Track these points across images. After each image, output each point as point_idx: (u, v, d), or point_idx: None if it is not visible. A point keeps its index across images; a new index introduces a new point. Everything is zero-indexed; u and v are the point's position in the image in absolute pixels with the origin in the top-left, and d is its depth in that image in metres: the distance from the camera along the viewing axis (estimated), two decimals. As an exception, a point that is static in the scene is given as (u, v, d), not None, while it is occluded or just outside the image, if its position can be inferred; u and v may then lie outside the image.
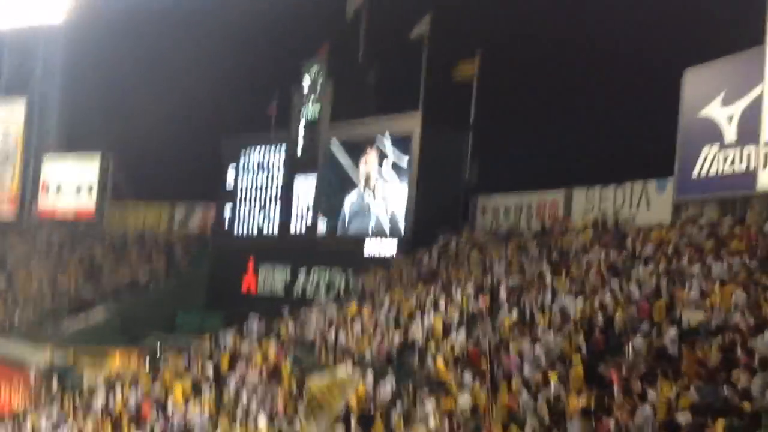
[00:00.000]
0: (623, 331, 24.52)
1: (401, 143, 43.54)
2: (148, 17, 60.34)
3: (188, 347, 40.19)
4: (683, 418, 18.50)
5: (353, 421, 26.72)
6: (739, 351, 19.93)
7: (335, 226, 46.71)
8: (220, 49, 57.87)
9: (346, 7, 48.70)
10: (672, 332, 22.27)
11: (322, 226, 47.41)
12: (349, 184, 46.10)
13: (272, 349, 34.82)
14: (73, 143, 66.97)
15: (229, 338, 38.50)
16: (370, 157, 45.08)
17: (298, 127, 49.22)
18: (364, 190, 45.33)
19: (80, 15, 62.78)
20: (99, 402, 37.31)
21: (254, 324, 39.87)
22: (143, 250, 57.68)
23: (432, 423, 24.71)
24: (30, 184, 67.71)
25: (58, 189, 65.58)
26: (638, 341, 22.83)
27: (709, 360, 20.30)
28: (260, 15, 56.06)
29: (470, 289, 33.18)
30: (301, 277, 47.37)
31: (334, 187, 46.96)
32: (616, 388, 21.17)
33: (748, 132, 29.66)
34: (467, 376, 25.95)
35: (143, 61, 60.39)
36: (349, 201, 45.98)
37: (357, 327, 34.32)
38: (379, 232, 44.18)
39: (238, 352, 36.13)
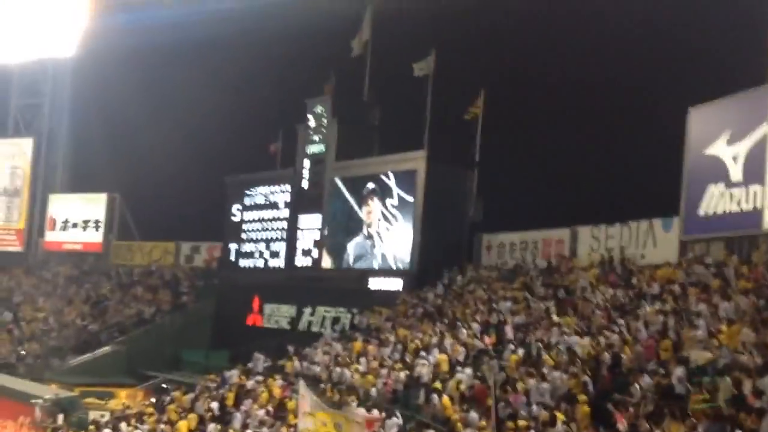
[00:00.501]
0: (630, 370, 24.50)
1: (406, 181, 43.72)
2: (156, 55, 60.81)
3: (194, 384, 40.10)
4: (691, 458, 18.48)
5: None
6: (747, 391, 19.90)
7: (340, 263, 46.79)
8: (225, 89, 58.39)
9: (351, 45, 49.18)
10: (679, 371, 22.24)
11: (327, 263, 47.50)
12: (354, 222, 46.24)
13: (277, 386, 34.74)
14: (79, 182, 67.31)
15: (234, 375, 38.40)
16: (376, 195, 45.23)
17: (302, 165, 49.42)
18: (369, 228, 45.45)
19: (90, 50, 63.22)
20: (104, 439, 37.15)
21: (259, 361, 39.82)
22: (149, 286, 57.71)
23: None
24: (37, 220, 67.95)
25: (65, 225, 65.81)
26: (645, 380, 22.79)
27: (717, 400, 20.26)
28: (265, 54, 56.57)
29: (476, 326, 33.20)
30: (307, 314, 47.39)
31: (340, 224, 47.10)
32: (622, 428, 21.12)
33: (753, 171, 29.81)
34: (473, 414, 25.89)
35: (150, 99, 60.81)
36: (355, 238, 46.08)
37: (363, 364, 34.28)
38: (384, 269, 44.27)
39: (244, 389, 36.02)
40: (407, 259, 43.14)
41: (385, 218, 44.43)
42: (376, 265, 44.71)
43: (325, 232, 47.74)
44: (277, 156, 53.52)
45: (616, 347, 26.01)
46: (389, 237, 44.19)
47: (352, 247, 46.18)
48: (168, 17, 57.09)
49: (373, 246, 45.08)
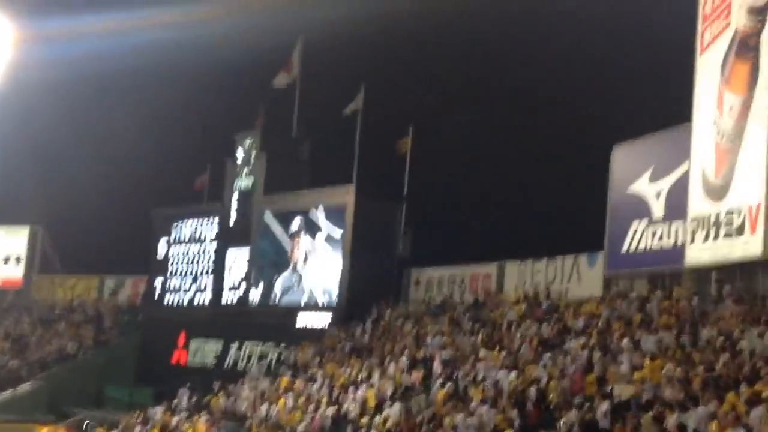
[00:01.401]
0: (557, 405, 24.62)
1: (335, 216, 43.65)
2: (82, 87, 60.04)
3: (117, 422, 39.36)
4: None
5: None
6: (669, 425, 20.09)
7: (268, 299, 46.43)
8: (153, 121, 57.85)
9: (274, 80, 49.07)
10: (604, 406, 22.40)
11: (254, 298, 47.09)
12: (282, 256, 45.98)
13: (203, 424, 34.24)
14: (1, 214, 65.89)
15: (159, 413, 37.79)
16: (304, 230, 45.07)
17: (231, 198, 49.08)
18: (297, 262, 45.21)
19: (14, 81, 62.14)
20: (22, 479, 36.30)
21: (184, 398, 39.26)
22: (72, 321, 56.58)
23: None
24: (-44, 254, 66.33)
25: (-16, 259, 64.41)
26: (571, 415, 22.90)
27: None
28: (194, 87, 56.28)
29: (404, 362, 33.12)
30: (233, 350, 46.88)
31: (268, 259, 46.81)
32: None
33: (675, 207, 30.30)
34: (401, 451, 25.78)
35: (75, 131, 60.02)
36: (282, 272, 45.80)
37: (290, 400, 33.96)
38: (312, 305, 44.04)
39: (168, 427, 35.44)
40: (335, 293, 42.98)
41: (315, 250, 44.23)
42: (303, 300, 44.45)
43: (253, 267, 47.34)
44: (204, 190, 53.07)
45: (543, 382, 26.12)
46: (318, 270, 44.00)
47: (279, 282, 45.87)
48: (94, 49, 56.37)
49: (300, 281, 44.83)
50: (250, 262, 47.58)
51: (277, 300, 45.90)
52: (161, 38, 53.98)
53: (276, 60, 49.58)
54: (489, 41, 46.61)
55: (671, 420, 20.04)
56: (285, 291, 45.56)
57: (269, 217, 46.93)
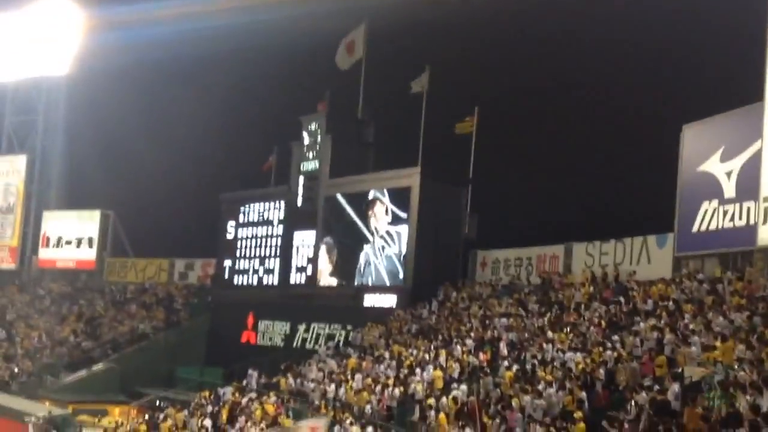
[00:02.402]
0: (625, 386, 24.51)
1: (400, 198, 43.75)
2: (150, 73, 60.91)
3: (188, 401, 40.01)
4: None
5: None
6: (741, 406, 19.90)
7: (335, 280, 46.74)
8: (220, 106, 58.45)
9: (336, 58, 49.26)
10: (675, 388, 22.24)
11: (321, 280, 47.44)
12: (349, 239, 46.18)
13: (271, 404, 34.66)
14: (73, 199, 67.20)
15: (228, 392, 38.33)
16: (370, 212, 45.26)
17: (297, 182, 49.42)
18: (365, 245, 45.41)
19: (83, 68, 63.28)
20: (97, 457, 37.09)
21: (253, 378, 39.77)
22: (143, 303, 57.60)
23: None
24: (30, 236, 67.81)
25: (59, 242, 65.70)
26: (641, 397, 22.79)
27: (712, 415, 20.27)
28: (260, 72, 56.70)
29: (470, 343, 33.20)
30: (301, 330, 47.36)
31: (335, 241, 47.07)
32: (619, 444, 21.12)
33: (747, 187, 29.91)
34: (468, 431, 25.85)
35: (143, 117, 60.89)
36: (350, 254, 46.03)
37: (357, 381, 34.23)
38: (378, 286, 44.25)
39: (238, 407, 35.94)
40: (401, 275, 43.15)
41: (380, 232, 44.43)
42: (370, 280, 44.67)
43: (319, 249, 47.69)
44: (271, 173, 53.52)
45: (611, 363, 26.02)
46: (384, 252, 44.20)
47: (361, 257, 46.00)
48: (162, 35, 57.07)
49: (369, 260, 44.97)
50: (317, 244, 47.92)
51: (344, 280, 46.13)
52: (228, 24, 54.53)
53: (342, 45, 49.73)
54: (556, 22, 46.23)
55: (743, 401, 19.84)
56: (352, 268, 45.70)
57: (338, 199, 47.16)
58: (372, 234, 44.97)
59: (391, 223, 43.99)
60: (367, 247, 45.20)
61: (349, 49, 49.38)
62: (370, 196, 45.38)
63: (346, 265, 46.38)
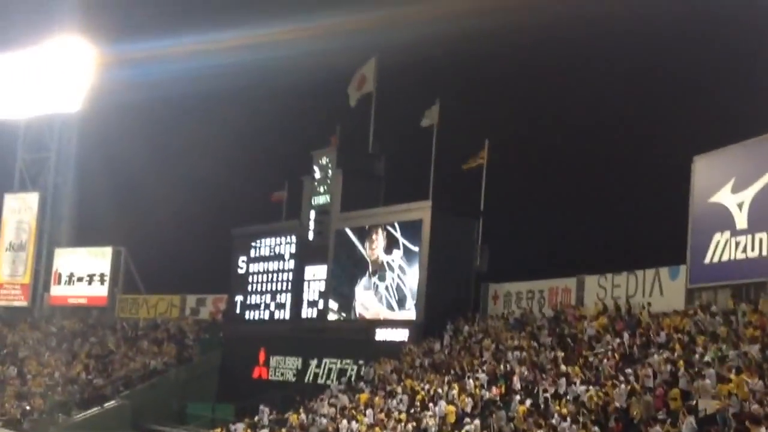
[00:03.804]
0: (639, 420, 24.31)
1: (411, 231, 43.69)
2: (161, 109, 61.30)
3: (199, 438, 39.92)
4: None
5: None
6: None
7: (346, 314, 46.65)
8: (231, 141, 58.69)
9: (348, 93, 49.57)
10: (690, 421, 22.04)
11: (333, 314, 47.34)
12: (360, 273, 46.14)
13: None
14: (85, 236, 67.44)
15: (240, 429, 38.18)
16: (381, 246, 45.21)
17: (308, 216, 49.45)
18: (375, 278, 45.34)
19: (95, 105, 63.75)
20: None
21: (265, 414, 39.62)
22: (155, 339, 57.55)
23: None
24: (42, 273, 67.98)
25: (71, 279, 65.85)
26: (655, 430, 22.60)
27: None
28: (271, 107, 56.98)
29: (483, 376, 33.02)
30: (313, 366, 47.17)
31: (346, 275, 47.00)
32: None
33: (759, 218, 29.79)
34: (482, 467, 25.70)
35: (155, 153, 61.16)
36: (361, 289, 45.97)
37: (369, 416, 34.05)
38: (390, 320, 44.09)
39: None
40: (413, 309, 43.01)
41: (392, 266, 44.35)
42: (381, 316, 44.54)
43: (331, 284, 47.62)
44: (282, 205, 53.60)
45: (625, 397, 25.81)
46: (395, 286, 44.08)
47: (359, 293, 45.91)
48: (173, 72, 57.49)
49: (380, 294, 44.87)
50: (329, 277, 47.85)
51: (356, 314, 46.02)
52: (239, 60, 54.87)
53: (352, 81, 50.06)
54: (566, 55, 46.37)
55: (759, 434, 19.67)
56: (365, 302, 45.56)
57: (347, 234, 47.17)
58: (383, 268, 44.87)
59: (402, 257, 43.93)
60: (378, 281, 45.10)
61: (359, 84, 49.64)
62: (380, 230, 45.35)
63: (352, 298, 46.32)
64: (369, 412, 34.52)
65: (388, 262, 44.67)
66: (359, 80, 49.69)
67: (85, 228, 68.13)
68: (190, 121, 61.28)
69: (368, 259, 45.76)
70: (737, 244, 30.88)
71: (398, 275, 44.06)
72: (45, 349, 60.19)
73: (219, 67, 56.09)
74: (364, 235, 46.12)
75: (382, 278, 44.96)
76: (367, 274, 45.77)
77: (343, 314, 46.81)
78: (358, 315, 45.96)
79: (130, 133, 61.95)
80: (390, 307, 44.30)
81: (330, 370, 45.90)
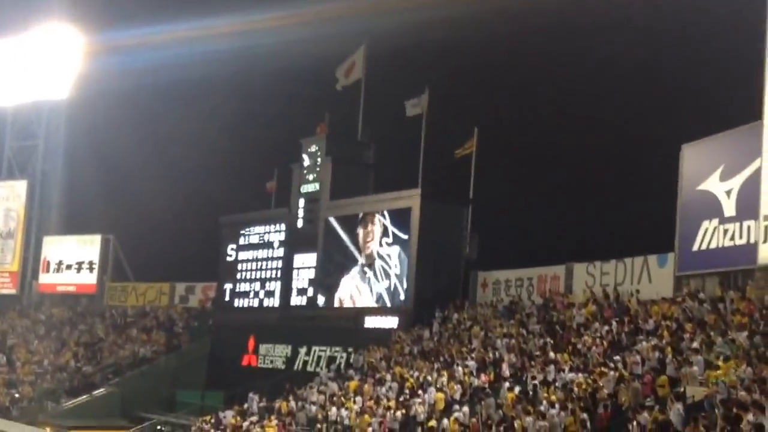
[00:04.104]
0: (627, 406, 24.42)
1: (401, 219, 43.73)
2: (149, 97, 61.12)
3: (189, 426, 39.90)
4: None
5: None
6: (744, 426, 19.81)
7: (335, 302, 46.66)
8: (220, 129, 58.59)
9: (336, 76, 49.51)
10: (677, 408, 22.16)
11: (322, 302, 47.36)
12: (349, 261, 46.17)
13: (273, 428, 34.55)
14: (73, 223, 67.24)
15: (229, 416, 38.21)
16: (370, 234, 45.23)
17: (297, 204, 49.43)
18: (364, 266, 45.38)
19: (83, 92, 63.53)
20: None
21: (254, 401, 39.66)
22: (144, 327, 57.49)
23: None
24: (31, 261, 67.81)
25: (59, 267, 65.71)
26: (643, 417, 22.71)
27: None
28: (260, 94, 56.86)
29: (472, 364, 33.11)
30: (302, 353, 47.20)
31: (335, 263, 47.02)
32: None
33: (747, 206, 29.87)
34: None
35: (144, 140, 61.02)
36: (350, 277, 46.00)
37: (358, 403, 34.14)
38: (379, 308, 44.17)
39: (239, 430, 35.84)
40: (402, 296, 43.08)
41: (381, 254, 44.40)
42: (370, 304, 44.59)
43: (320, 272, 47.63)
44: (272, 196, 53.57)
45: (613, 384, 25.92)
46: (385, 274, 44.13)
47: (348, 281, 45.99)
48: (161, 59, 57.28)
49: (369, 281, 44.93)
50: (317, 266, 47.86)
51: (345, 302, 46.06)
52: (227, 47, 54.72)
53: (342, 67, 49.97)
54: (555, 44, 46.37)
55: (746, 421, 19.75)
56: (354, 290, 45.60)
57: (336, 221, 47.18)
58: (372, 256, 44.92)
59: (391, 245, 43.97)
60: (367, 269, 45.15)
61: (347, 71, 49.58)
62: (369, 218, 45.37)
63: (340, 286, 46.37)
64: (358, 399, 34.60)
65: (377, 251, 44.69)
66: (348, 67, 49.62)
67: (73, 216, 67.98)
68: (179, 109, 61.11)
69: (356, 248, 45.77)
70: (725, 231, 30.99)
71: (388, 263, 44.10)
72: (34, 337, 60.10)
73: (207, 55, 55.95)
74: (355, 223, 46.11)
75: (371, 266, 45.00)
76: (356, 262, 45.79)
77: (332, 303, 46.81)
78: (346, 303, 45.98)
79: (119, 121, 61.81)
80: (379, 295, 44.35)
81: (319, 357, 45.96)
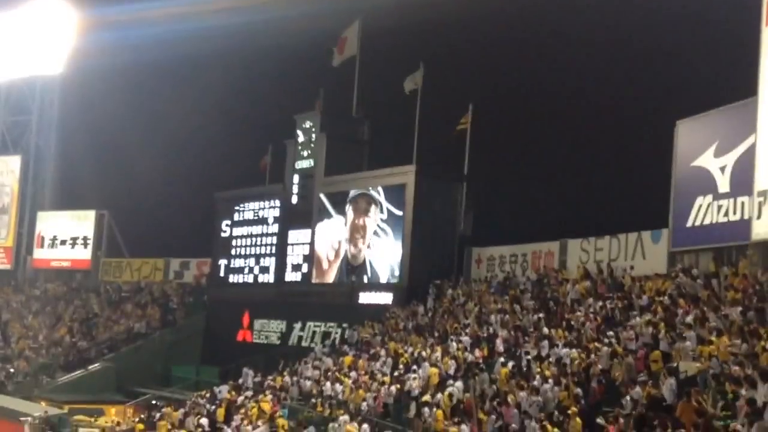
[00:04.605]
0: (621, 381, 24.53)
1: (395, 196, 43.75)
2: (144, 72, 60.89)
3: (184, 400, 40.01)
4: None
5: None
6: (738, 401, 19.92)
7: (330, 278, 46.74)
8: (214, 105, 58.45)
9: (333, 51, 49.40)
10: (670, 382, 22.26)
11: (317, 278, 47.42)
12: (343, 236, 46.19)
13: (267, 402, 34.66)
14: (68, 199, 67.18)
15: (224, 391, 38.32)
16: (365, 210, 45.25)
17: (292, 180, 49.39)
18: (358, 242, 45.42)
19: (77, 68, 63.22)
20: (94, 456, 37.08)
21: (249, 376, 39.76)
22: (138, 302, 57.55)
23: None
24: (25, 236, 67.76)
25: (54, 242, 65.68)
26: (636, 392, 22.81)
27: (707, 410, 20.28)
28: (254, 71, 56.67)
29: (466, 339, 33.21)
30: (297, 328, 47.35)
31: (329, 239, 47.04)
32: (614, 439, 21.13)
33: (741, 182, 29.90)
34: (464, 428, 25.88)
35: (138, 116, 60.91)
36: (344, 252, 46.04)
37: (353, 378, 34.25)
38: (374, 284, 44.26)
39: (234, 405, 35.95)
40: (397, 272, 43.16)
41: (376, 230, 44.44)
42: (366, 278, 44.67)
43: (315, 247, 47.67)
44: (266, 171, 53.53)
45: (606, 359, 26.03)
46: (379, 250, 44.19)
47: (342, 257, 46.04)
48: (156, 35, 57.00)
49: (363, 257, 44.99)
50: (312, 242, 47.89)
51: (339, 278, 46.13)
52: (222, 23, 54.48)
53: (336, 42, 49.85)
54: (550, 19, 46.27)
55: (739, 396, 19.86)
56: (348, 266, 45.67)
57: (329, 198, 47.16)
58: (367, 231, 44.95)
59: (386, 221, 44.00)
60: (362, 245, 45.20)
61: (341, 47, 49.47)
62: (357, 204, 45.36)
63: (335, 262, 46.42)
64: (353, 374, 34.72)
65: (371, 228, 44.72)
66: (341, 43, 49.50)
67: (68, 191, 67.90)
68: (173, 85, 60.95)
69: (352, 225, 45.80)
70: (719, 207, 31.02)
71: (382, 239, 44.15)
72: (28, 312, 60.17)
73: (202, 30, 55.67)
74: (349, 202, 46.08)
75: (365, 243, 45.04)
76: (351, 238, 45.83)
77: (327, 278, 46.89)
78: (341, 279, 46.06)
79: (113, 96, 61.62)
80: (373, 272, 44.41)
81: (314, 333, 46.12)
